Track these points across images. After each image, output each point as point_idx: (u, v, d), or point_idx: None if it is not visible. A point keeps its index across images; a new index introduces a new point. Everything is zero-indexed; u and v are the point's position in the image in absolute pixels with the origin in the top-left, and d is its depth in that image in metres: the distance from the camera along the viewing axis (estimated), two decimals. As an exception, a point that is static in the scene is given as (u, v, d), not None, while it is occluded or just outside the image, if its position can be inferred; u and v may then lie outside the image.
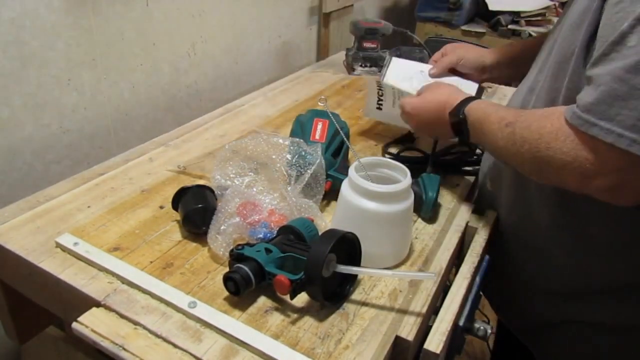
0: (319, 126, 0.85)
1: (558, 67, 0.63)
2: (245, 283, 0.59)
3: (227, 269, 0.61)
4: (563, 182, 0.58)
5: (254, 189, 0.77)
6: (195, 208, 0.70)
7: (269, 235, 0.68)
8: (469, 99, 0.73)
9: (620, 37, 0.50)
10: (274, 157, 0.80)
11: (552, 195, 0.69)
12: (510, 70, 0.95)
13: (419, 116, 0.81)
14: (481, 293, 0.78)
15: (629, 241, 0.66)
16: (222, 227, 0.68)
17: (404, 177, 0.68)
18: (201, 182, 0.83)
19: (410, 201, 0.67)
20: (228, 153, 0.82)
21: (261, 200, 0.73)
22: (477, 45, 1.24)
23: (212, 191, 0.75)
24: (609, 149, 0.51)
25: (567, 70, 0.61)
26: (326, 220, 0.73)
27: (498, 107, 0.70)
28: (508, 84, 1.38)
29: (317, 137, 0.84)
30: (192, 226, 0.70)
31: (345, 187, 0.68)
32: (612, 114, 0.50)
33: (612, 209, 0.57)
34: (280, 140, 0.82)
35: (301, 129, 0.87)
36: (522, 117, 0.62)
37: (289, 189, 0.74)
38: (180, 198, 0.73)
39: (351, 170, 0.67)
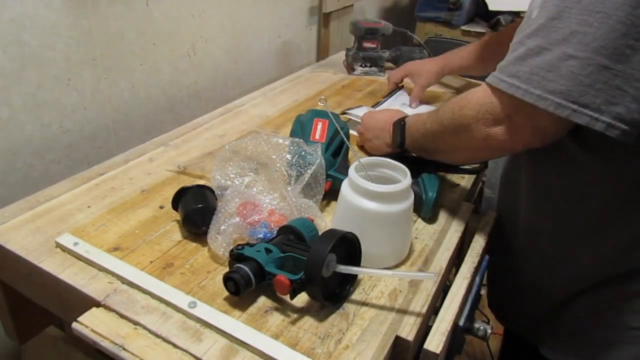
0: (319, 126, 0.86)
1: None
2: (245, 283, 0.59)
3: (227, 269, 0.61)
4: (472, 139, 0.66)
5: (254, 189, 0.77)
6: (195, 208, 0.70)
7: (269, 235, 0.68)
8: (403, 119, 0.84)
9: (529, 11, 0.60)
10: (273, 157, 0.80)
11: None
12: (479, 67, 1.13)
13: (369, 121, 0.94)
14: (481, 293, 0.78)
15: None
16: (222, 227, 0.68)
17: (403, 177, 0.68)
18: (201, 182, 0.83)
19: (410, 201, 0.67)
20: (228, 153, 0.82)
21: (261, 201, 0.73)
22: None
23: (212, 191, 0.75)
24: (503, 98, 0.61)
25: None
26: (326, 220, 0.73)
27: (427, 116, 0.78)
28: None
29: (317, 137, 0.84)
30: (192, 226, 0.70)
31: (345, 187, 0.68)
32: (514, 71, 0.59)
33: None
34: (280, 140, 0.82)
35: (301, 128, 0.87)
36: (446, 102, 0.72)
37: (288, 189, 0.74)
38: (180, 198, 0.73)
39: (351, 170, 0.67)
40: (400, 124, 0.82)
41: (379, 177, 0.71)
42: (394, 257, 0.69)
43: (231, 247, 0.64)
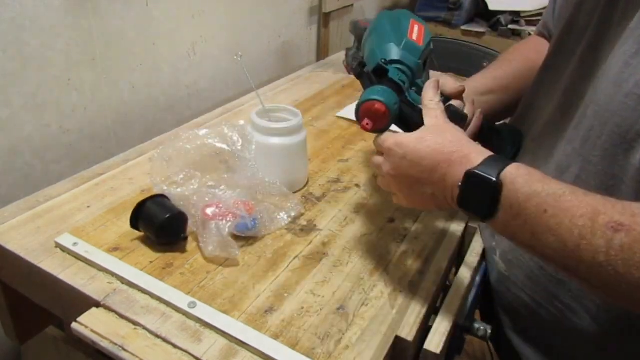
0: (416, 28, 0.68)
1: (615, 147, 0.47)
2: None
3: (226, 269, 0.61)
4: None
5: (214, 190, 0.75)
6: (170, 216, 0.67)
7: (254, 223, 0.69)
8: (500, 159, 0.48)
9: None
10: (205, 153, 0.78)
11: None
12: (501, 97, 0.78)
13: (406, 165, 0.53)
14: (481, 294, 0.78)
15: None
16: (205, 236, 0.67)
17: (295, 117, 0.82)
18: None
19: (302, 136, 0.82)
20: (161, 161, 0.77)
21: (222, 197, 0.72)
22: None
23: (167, 198, 0.72)
24: None
25: (633, 152, 0.46)
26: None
27: (565, 186, 0.44)
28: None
29: (414, 37, 0.66)
30: (172, 235, 0.69)
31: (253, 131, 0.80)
32: None
33: None
34: (201, 133, 0.79)
35: (392, 24, 0.68)
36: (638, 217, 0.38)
37: (247, 169, 0.76)
38: (142, 213, 0.69)
39: (253, 115, 0.81)
40: (490, 184, 0.46)
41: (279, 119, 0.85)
42: (297, 183, 0.85)
43: (230, 246, 0.64)
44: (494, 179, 0.45)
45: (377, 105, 0.55)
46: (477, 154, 0.49)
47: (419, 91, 0.60)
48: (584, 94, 0.54)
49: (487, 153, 0.49)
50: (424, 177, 0.52)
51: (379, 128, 0.57)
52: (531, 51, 0.81)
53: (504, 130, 0.72)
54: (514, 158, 0.65)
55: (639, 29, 0.47)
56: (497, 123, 0.74)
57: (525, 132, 0.71)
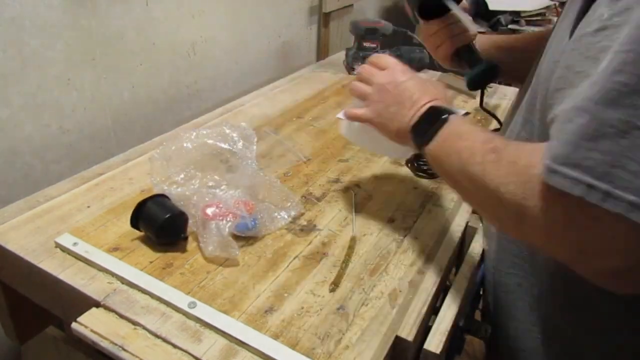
0: None
1: (545, 108, 0.52)
2: None
3: (226, 269, 0.61)
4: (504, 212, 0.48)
5: (214, 190, 0.75)
6: (170, 216, 0.68)
7: (254, 223, 0.68)
8: (458, 112, 0.61)
9: (588, 41, 0.42)
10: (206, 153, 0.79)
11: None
12: (519, 56, 0.81)
13: (387, 82, 0.66)
14: (481, 293, 0.78)
15: None
16: (205, 236, 0.67)
17: None
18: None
19: None
20: (161, 161, 0.78)
21: (222, 197, 0.72)
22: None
23: (168, 198, 0.72)
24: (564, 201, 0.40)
25: (551, 110, 0.50)
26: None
27: (487, 131, 0.60)
28: (508, 84, 1.37)
29: None
30: (172, 235, 0.69)
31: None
32: (578, 158, 0.39)
33: None
34: (202, 132, 0.80)
35: None
36: (509, 146, 0.50)
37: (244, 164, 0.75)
38: (142, 213, 0.69)
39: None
40: (436, 115, 0.60)
41: None
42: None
43: (229, 247, 0.64)
44: (444, 116, 0.59)
45: None
46: (444, 102, 0.63)
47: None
48: None
49: (442, 97, 0.64)
50: (400, 97, 0.65)
51: None
52: (543, 33, 0.85)
53: (482, 60, 0.79)
54: (480, 82, 0.78)
55: (574, 2, 0.51)
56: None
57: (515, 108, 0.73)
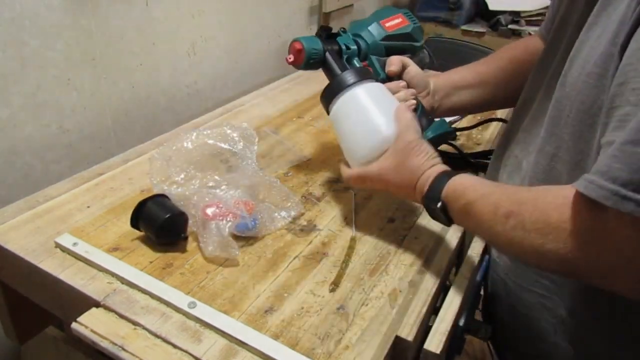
0: (397, 20, 0.85)
1: (581, 123, 0.53)
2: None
3: (226, 269, 0.61)
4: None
5: (215, 190, 0.75)
6: (170, 216, 0.68)
7: (254, 223, 0.68)
8: (443, 175, 0.61)
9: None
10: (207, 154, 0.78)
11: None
12: (479, 92, 0.84)
13: (378, 187, 0.70)
14: (481, 293, 0.78)
15: None
16: (205, 236, 0.67)
17: None
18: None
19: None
20: (161, 161, 0.78)
21: (222, 197, 0.72)
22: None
23: (168, 198, 0.72)
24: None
25: (596, 126, 0.51)
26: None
27: (483, 185, 0.58)
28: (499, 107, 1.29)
29: (387, 24, 0.84)
30: (172, 235, 0.69)
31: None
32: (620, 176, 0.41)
33: None
34: (202, 133, 0.80)
35: (379, 13, 0.88)
36: (523, 206, 0.51)
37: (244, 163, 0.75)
38: (142, 213, 0.69)
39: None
40: (428, 204, 0.62)
41: None
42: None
43: (228, 247, 0.64)
44: (437, 205, 0.60)
45: (296, 43, 0.75)
46: (424, 180, 0.63)
47: (372, 64, 0.82)
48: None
49: (433, 174, 0.62)
50: (398, 192, 0.68)
51: (298, 63, 0.76)
52: (519, 50, 0.85)
53: (435, 121, 0.81)
54: (435, 144, 0.74)
55: (602, 14, 0.52)
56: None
57: (519, 125, 0.73)
